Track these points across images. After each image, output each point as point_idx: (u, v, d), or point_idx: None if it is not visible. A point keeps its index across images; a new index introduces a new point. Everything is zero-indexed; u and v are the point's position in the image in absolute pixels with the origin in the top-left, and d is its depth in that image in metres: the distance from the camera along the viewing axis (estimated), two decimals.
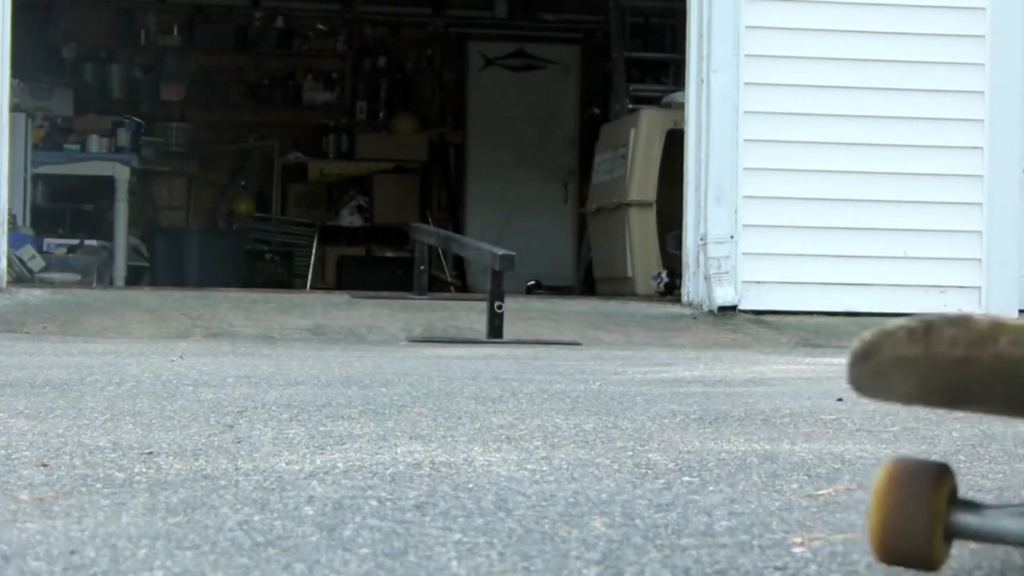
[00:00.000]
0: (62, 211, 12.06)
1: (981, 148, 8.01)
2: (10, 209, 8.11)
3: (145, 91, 13.53)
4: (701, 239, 7.70)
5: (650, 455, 2.47)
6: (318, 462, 2.28)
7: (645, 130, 9.37)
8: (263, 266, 13.14)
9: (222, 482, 2.06)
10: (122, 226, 11.57)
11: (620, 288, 9.38)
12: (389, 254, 13.45)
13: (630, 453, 2.46)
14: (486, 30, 14.13)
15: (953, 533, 1.21)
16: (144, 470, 2.16)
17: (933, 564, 1.20)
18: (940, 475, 1.22)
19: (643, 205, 9.36)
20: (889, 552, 1.22)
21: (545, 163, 14.00)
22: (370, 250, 13.62)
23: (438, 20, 14.12)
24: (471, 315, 7.01)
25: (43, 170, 11.54)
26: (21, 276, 9.07)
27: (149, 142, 12.86)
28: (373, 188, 13.78)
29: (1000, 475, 2.32)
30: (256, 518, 1.77)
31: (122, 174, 11.64)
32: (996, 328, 1.13)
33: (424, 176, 14.02)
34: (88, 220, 12.02)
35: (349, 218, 13.69)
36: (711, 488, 2.14)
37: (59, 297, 7.62)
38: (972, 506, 1.22)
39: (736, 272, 7.66)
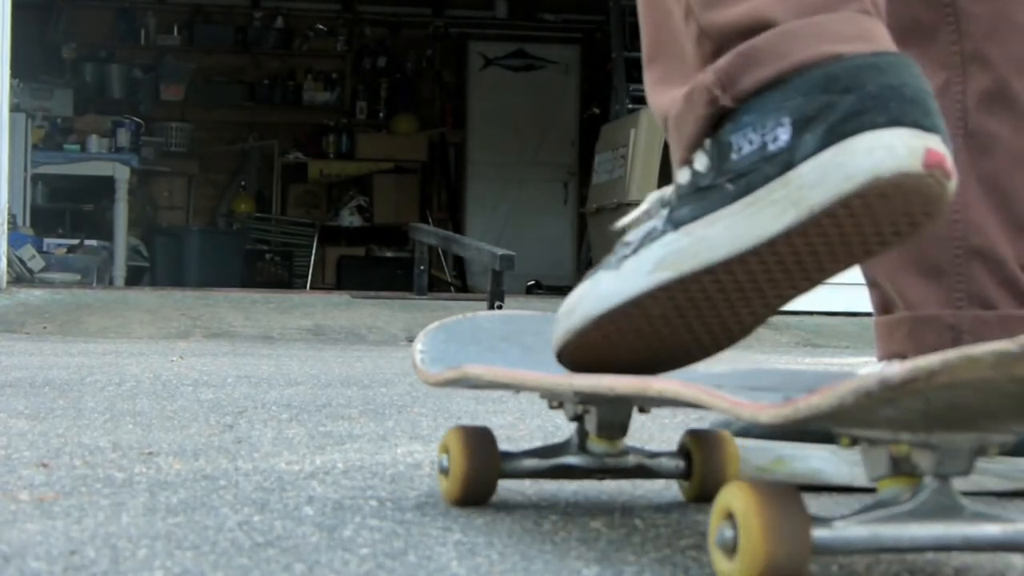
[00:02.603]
0: (62, 211, 12.07)
1: None
2: (10, 209, 8.12)
3: (145, 91, 13.53)
4: None
5: None
6: (318, 462, 2.28)
7: (645, 130, 9.38)
8: (263, 266, 13.15)
9: (222, 482, 2.06)
10: (122, 226, 11.58)
11: None
12: (389, 254, 13.45)
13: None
14: (486, 30, 14.14)
15: (816, 551, 1.32)
16: (144, 470, 2.17)
17: None
18: (798, 496, 1.31)
19: None
20: None
21: (545, 163, 14.00)
22: (370, 250, 13.62)
23: (438, 20, 14.13)
24: None
25: (43, 170, 11.54)
26: (21, 276, 9.07)
27: (149, 142, 12.87)
28: (373, 188, 13.79)
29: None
30: (256, 518, 1.77)
31: (122, 174, 11.65)
32: None
33: (424, 176, 14.02)
34: (88, 220, 12.02)
35: (349, 218, 13.69)
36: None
37: (59, 297, 7.62)
38: (822, 522, 1.33)
39: None
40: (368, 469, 2.21)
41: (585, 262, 11.33)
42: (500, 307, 6.71)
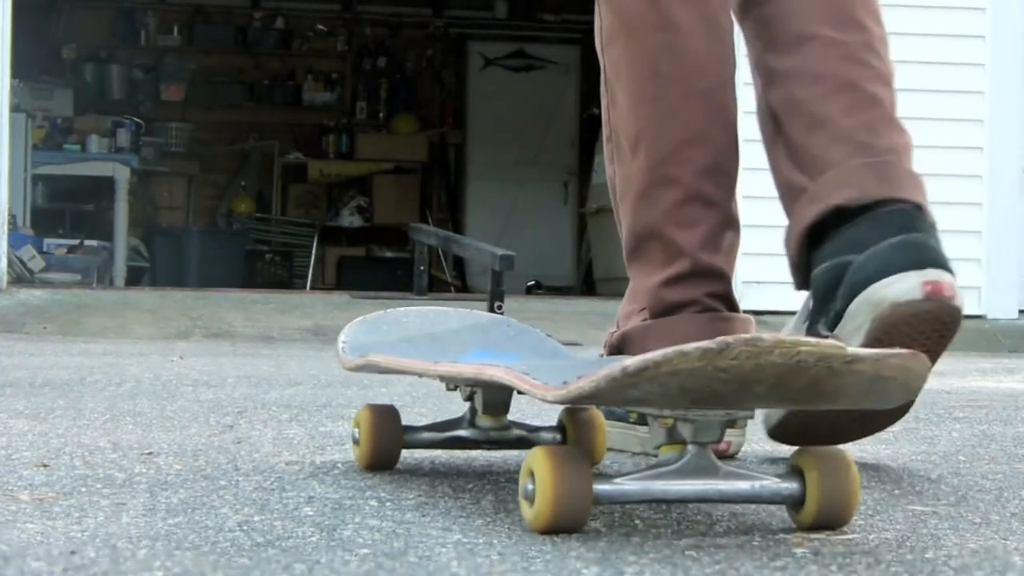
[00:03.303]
0: (62, 211, 12.06)
1: (981, 148, 8.01)
2: (10, 209, 8.11)
3: (145, 91, 13.52)
4: None
5: (651, 455, 2.47)
6: (318, 462, 2.28)
7: None
8: (263, 266, 13.14)
9: (222, 482, 2.06)
10: (122, 226, 11.57)
11: (620, 288, 9.36)
12: (389, 254, 13.44)
13: (630, 453, 2.46)
14: (486, 30, 14.13)
15: (596, 501, 1.69)
16: (144, 470, 2.17)
17: (583, 525, 1.70)
18: (584, 457, 1.71)
19: None
20: (557, 522, 1.67)
21: (545, 163, 13.98)
22: (370, 250, 13.60)
23: (438, 20, 14.12)
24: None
25: (43, 170, 11.53)
26: (21, 276, 9.07)
27: (149, 142, 12.85)
28: (373, 188, 13.78)
29: (1000, 475, 2.33)
30: (256, 518, 1.77)
31: (122, 174, 11.63)
32: (775, 344, 1.54)
33: (424, 176, 14.01)
34: (88, 220, 12.01)
35: (349, 218, 13.68)
36: None
37: (59, 297, 7.62)
38: (604, 477, 1.70)
39: (736, 272, 7.66)
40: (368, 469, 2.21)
41: (585, 262, 11.33)
42: (500, 307, 6.70)
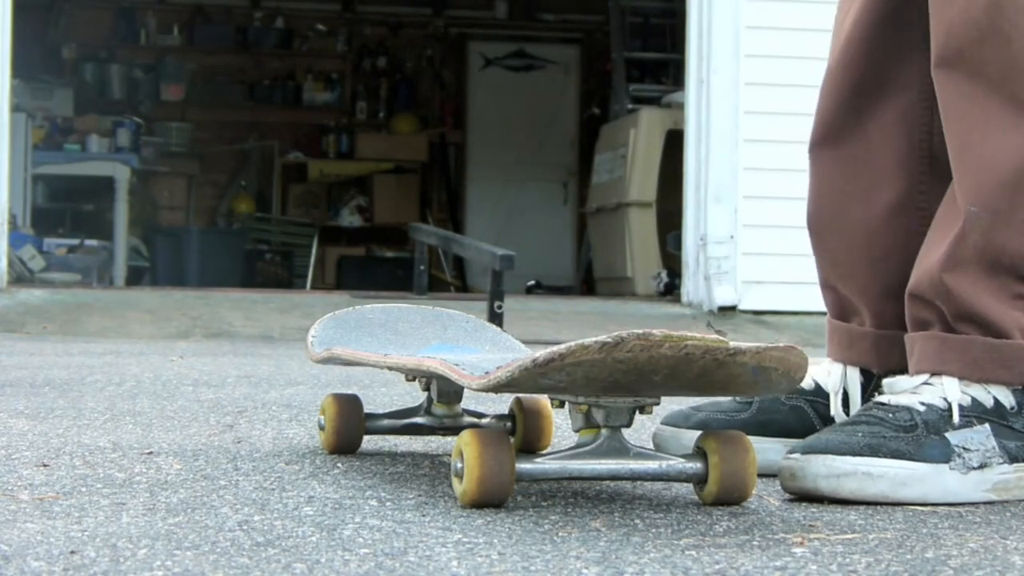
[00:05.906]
0: (62, 211, 12.05)
1: None
2: (10, 209, 8.11)
3: (145, 91, 13.52)
4: (701, 239, 7.69)
5: None
6: (318, 462, 2.28)
7: (645, 130, 9.38)
8: (263, 266, 13.13)
9: (222, 482, 2.06)
10: (122, 226, 11.56)
11: (620, 288, 9.39)
12: (389, 254, 13.44)
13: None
14: (486, 30, 14.12)
15: (518, 478, 1.83)
16: (144, 470, 2.17)
17: (507, 500, 1.84)
18: (507, 438, 1.85)
19: (643, 205, 9.36)
20: (482, 497, 1.82)
21: (545, 163, 13.98)
22: (370, 250, 13.60)
23: (438, 20, 14.12)
24: (471, 315, 6.98)
25: (43, 170, 11.52)
26: (21, 276, 9.07)
27: (149, 142, 12.84)
28: (373, 188, 13.78)
29: None
30: (256, 518, 1.77)
31: (122, 174, 11.63)
32: (664, 338, 1.68)
33: (424, 176, 14.01)
34: (88, 220, 12.01)
35: (349, 218, 13.68)
36: None
37: (59, 297, 7.62)
38: (527, 457, 1.87)
39: (736, 272, 7.66)
40: (368, 469, 2.21)
41: (585, 262, 11.33)
42: (500, 307, 6.70)
